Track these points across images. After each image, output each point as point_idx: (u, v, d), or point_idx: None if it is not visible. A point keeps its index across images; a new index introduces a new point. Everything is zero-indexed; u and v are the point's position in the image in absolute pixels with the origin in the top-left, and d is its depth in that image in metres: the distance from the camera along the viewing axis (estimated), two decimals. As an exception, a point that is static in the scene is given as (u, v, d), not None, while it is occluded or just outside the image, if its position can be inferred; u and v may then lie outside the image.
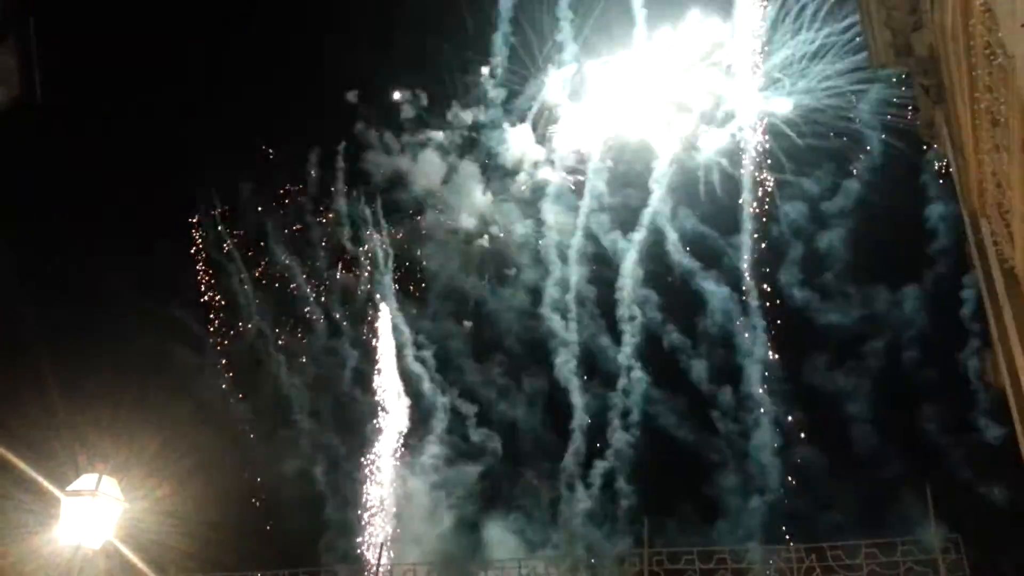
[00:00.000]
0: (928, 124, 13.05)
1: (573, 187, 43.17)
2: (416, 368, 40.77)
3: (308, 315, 42.43)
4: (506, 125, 43.66)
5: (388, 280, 42.80)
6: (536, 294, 42.56)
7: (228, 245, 42.34)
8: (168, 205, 42.70)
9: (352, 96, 43.93)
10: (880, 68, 13.32)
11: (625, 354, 40.24)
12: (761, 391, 39.43)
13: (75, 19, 36.95)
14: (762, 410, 39.14)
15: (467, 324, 42.23)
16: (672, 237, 41.51)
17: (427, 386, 40.48)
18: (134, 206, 41.07)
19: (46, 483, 11.41)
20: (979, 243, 11.18)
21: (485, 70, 43.42)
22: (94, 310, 38.83)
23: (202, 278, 42.47)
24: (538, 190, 43.38)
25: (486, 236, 43.40)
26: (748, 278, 40.58)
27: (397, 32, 42.69)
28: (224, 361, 41.34)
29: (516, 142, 43.45)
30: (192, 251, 42.98)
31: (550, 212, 43.11)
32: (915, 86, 12.49)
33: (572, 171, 43.30)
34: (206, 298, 42.31)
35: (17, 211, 35.53)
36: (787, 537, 33.30)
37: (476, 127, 44.05)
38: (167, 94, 42.48)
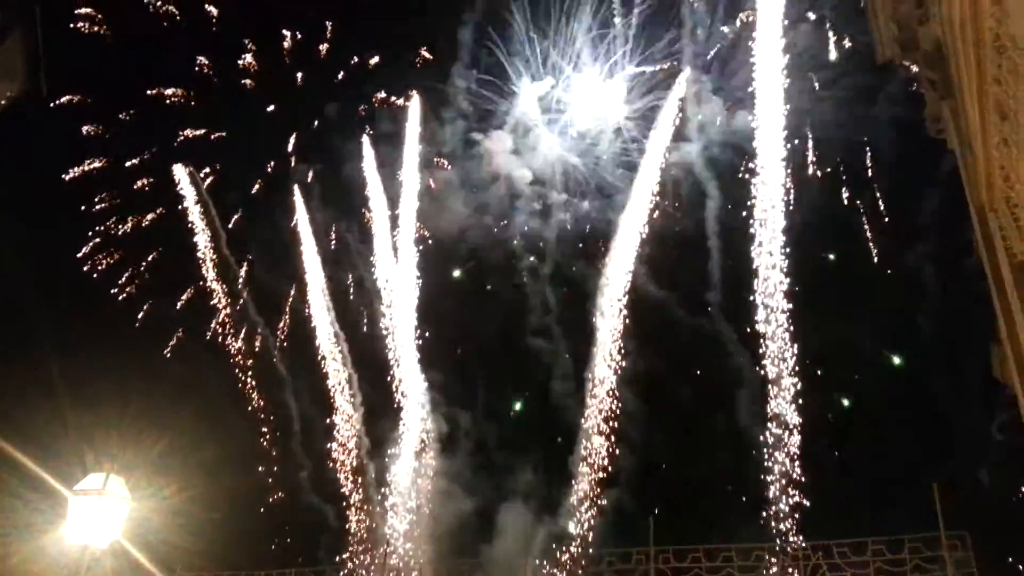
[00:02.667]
0: (935, 118, 13.00)
1: (542, 205, 43.30)
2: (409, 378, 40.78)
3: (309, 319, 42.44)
4: (480, 137, 43.78)
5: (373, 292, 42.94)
6: (517, 313, 42.42)
7: (227, 252, 42.44)
8: (176, 202, 42.72)
9: (331, 109, 44.00)
10: (887, 62, 13.28)
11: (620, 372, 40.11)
12: (766, 389, 39.35)
13: (81, 12, 37.11)
14: (769, 409, 39.09)
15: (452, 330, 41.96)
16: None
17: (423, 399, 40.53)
18: (141, 201, 41.13)
19: (54, 482, 11.42)
20: (986, 237, 11.10)
21: (460, 83, 43.68)
22: (101, 309, 38.91)
23: (207, 282, 42.58)
24: (513, 204, 43.55)
25: (464, 246, 43.30)
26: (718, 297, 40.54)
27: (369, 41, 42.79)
28: (231, 361, 41.39)
29: (491, 155, 43.52)
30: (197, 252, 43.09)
31: (524, 228, 43.13)
32: (921, 80, 12.45)
33: (544, 185, 43.45)
34: (213, 300, 42.41)
35: (23, 206, 35.65)
36: (794, 535, 33.34)
37: (452, 139, 44.08)
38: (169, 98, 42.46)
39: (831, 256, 40.59)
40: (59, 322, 34.31)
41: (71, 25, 39.40)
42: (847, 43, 38.77)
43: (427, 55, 43.20)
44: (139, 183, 41.60)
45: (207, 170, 42.92)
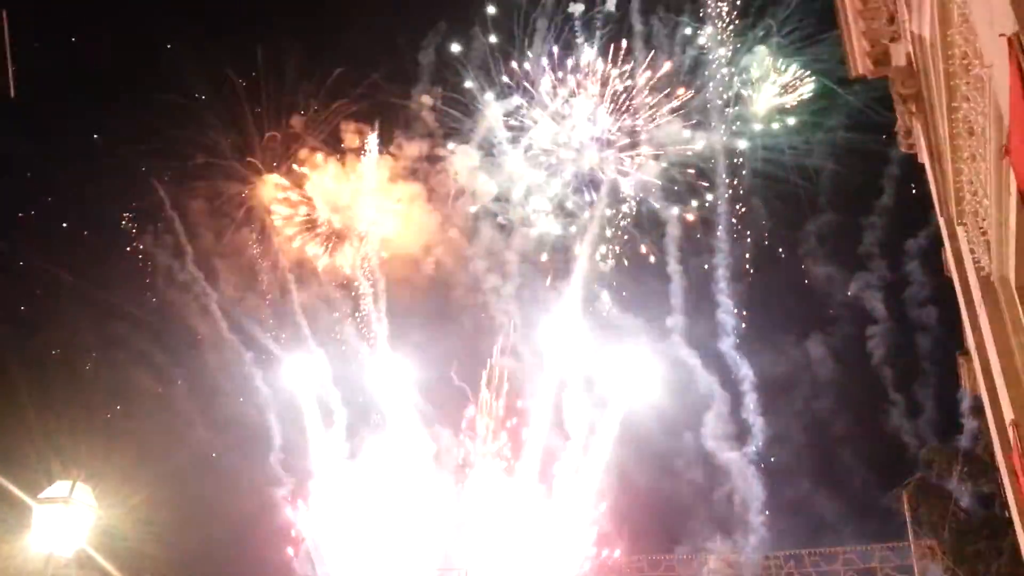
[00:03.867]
0: (906, 133, 13.20)
1: (506, 222, 43.28)
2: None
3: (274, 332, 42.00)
4: (445, 153, 43.76)
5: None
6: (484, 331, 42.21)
7: (188, 266, 42.02)
8: (149, 206, 42.36)
9: (297, 122, 43.82)
10: (859, 78, 13.47)
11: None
12: (744, 405, 39.71)
13: (51, 12, 36.65)
14: (747, 420, 39.44)
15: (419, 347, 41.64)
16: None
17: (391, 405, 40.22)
18: (112, 207, 40.73)
19: (17, 491, 11.19)
20: (956, 251, 11.29)
21: (426, 100, 43.75)
22: (68, 316, 38.32)
23: (173, 291, 42.14)
24: (476, 220, 43.46)
25: (432, 262, 43.02)
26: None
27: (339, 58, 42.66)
28: (201, 370, 40.90)
29: (455, 171, 43.44)
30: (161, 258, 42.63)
31: (488, 245, 42.94)
32: (893, 96, 12.63)
33: (508, 202, 43.42)
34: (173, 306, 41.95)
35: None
36: (766, 544, 33.58)
37: (416, 155, 43.93)
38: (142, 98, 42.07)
39: (786, 280, 41.17)
40: (25, 329, 33.78)
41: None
42: (798, 69, 39.69)
43: (392, 72, 43.35)
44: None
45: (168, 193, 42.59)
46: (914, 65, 11.41)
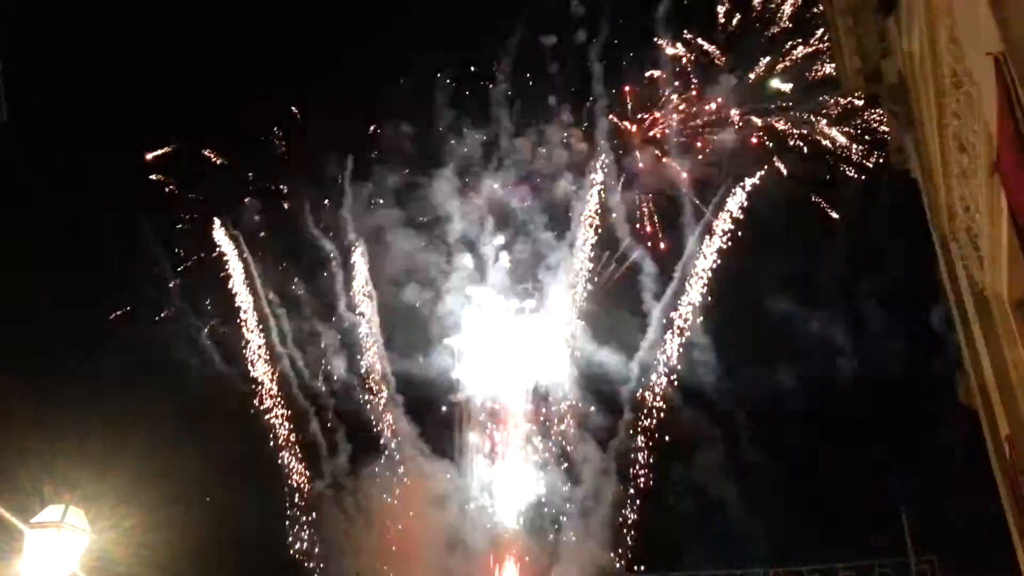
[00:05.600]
0: (898, 149, 13.28)
1: (482, 250, 43.18)
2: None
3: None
4: (423, 179, 43.78)
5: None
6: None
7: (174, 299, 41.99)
8: (138, 225, 42.16)
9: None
10: (851, 94, 13.59)
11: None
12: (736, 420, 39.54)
13: (43, 35, 36.55)
14: (737, 435, 39.30)
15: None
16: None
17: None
18: (106, 230, 40.55)
19: (9, 515, 11.09)
20: (949, 266, 11.32)
21: (406, 129, 43.90)
22: (61, 336, 38.11)
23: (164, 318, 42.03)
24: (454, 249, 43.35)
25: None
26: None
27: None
28: (196, 388, 40.64)
29: (434, 197, 43.42)
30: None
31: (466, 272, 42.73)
32: (885, 112, 12.73)
33: (483, 229, 43.33)
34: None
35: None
36: (764, 562, 33.44)
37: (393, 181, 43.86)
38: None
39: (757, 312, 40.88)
40: (16, 347, 33.57)
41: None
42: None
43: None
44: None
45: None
46: (905, 82, 11.51)
